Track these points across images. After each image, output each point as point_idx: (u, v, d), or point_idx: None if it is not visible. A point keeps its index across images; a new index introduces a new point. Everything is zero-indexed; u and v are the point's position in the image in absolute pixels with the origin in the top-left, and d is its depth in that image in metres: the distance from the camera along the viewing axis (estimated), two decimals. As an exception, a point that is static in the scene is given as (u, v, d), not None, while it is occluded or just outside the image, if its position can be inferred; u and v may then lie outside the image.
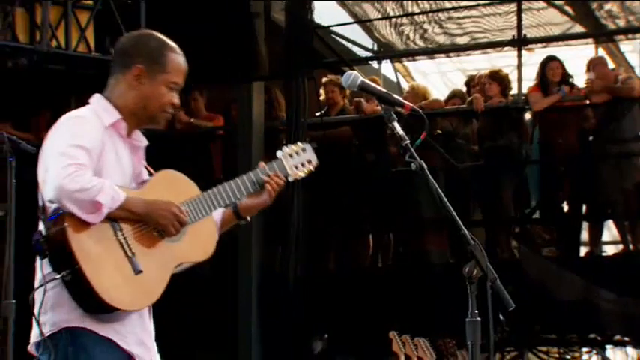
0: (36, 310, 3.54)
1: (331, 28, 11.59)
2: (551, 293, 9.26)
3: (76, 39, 8.55)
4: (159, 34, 3.84)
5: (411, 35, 11.61)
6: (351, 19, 11.98)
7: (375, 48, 12.18)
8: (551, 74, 9.65)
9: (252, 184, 3.88)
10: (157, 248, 3.64)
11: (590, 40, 11.36)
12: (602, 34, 11.24)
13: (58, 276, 3.47)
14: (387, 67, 12.60)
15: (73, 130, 3.59)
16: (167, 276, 3.66)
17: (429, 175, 3.50)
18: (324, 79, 10.54)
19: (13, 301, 4.09)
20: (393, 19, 11.60)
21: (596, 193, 9.59)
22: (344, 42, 11.88)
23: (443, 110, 10.16)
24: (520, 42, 10.22)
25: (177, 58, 3.79)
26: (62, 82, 10.11)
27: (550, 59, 9.76)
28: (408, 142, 3.54)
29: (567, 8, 11.37)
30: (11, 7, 8.15)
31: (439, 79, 12.94)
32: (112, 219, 3.53)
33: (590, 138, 9.80)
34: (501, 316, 8.44)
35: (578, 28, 11.43)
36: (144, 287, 3.59)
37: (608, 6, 10.89)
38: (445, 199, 3.46)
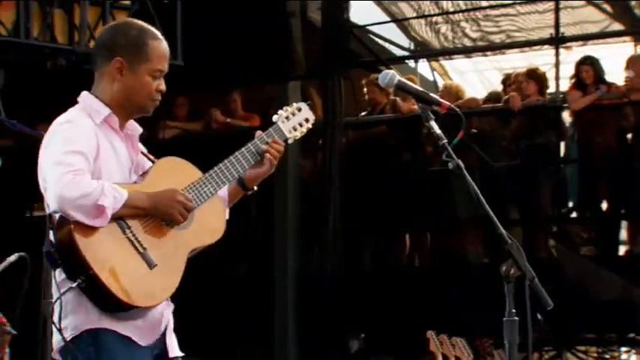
0: (55, 318, 3.53)
1: (367, 27, 11.58)
2: (590, 292, 9.21)
3: (114, 39, 8.60)
4: (138, 22, 3.77)
5: (448, 34, 11.58)
6: (387, 18, 11.97)
7: (412, 47, 12.15)
8: (584, 77, 9.59)
9: (253, 155, 3.83)
10: (167, 239, 3.62)
11: (628, 38, 11.27)
12: (640, 32, 11.16)
13: (73, 285, 3.46)
14: (423, 66, 12.56)
15: (66, 136, 3.55)
16: (182, 265, 3.63)
17: (467, 175, 3.49)
18: (363, 80, 10.53)
19: (52, 300, 4.13)
20: (430, 18, 11.58)
21: (636, 192, 9.52)
22: (380, 41, 11.87)
23: (479, 109, 10.13)
24: (557, 40, 10.16)
25: (159, 45, 3.71)
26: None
27: (583, 62, 9.68)
28: (446, 141, 3.53)
29: (605, 6, 11.29)
30: (50, 8, 8.22)
31: (476, 77, 12.88)
32: (118, 218, 3.51)
33: (629, 136, 9.73)
34: (539, 316, 8.39)
35: (617, 26, 11.34)
36: (160, 281, 3.57)
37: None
38: (482, 199, 3.44)
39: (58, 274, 3.57)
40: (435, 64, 12.72)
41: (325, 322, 9.76)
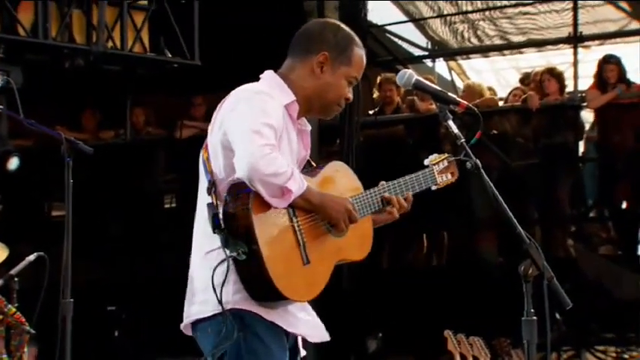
0: (217, 287, 3.39)
1: (385, 26, 11.57)
2: (609, 292, 9.18)
3: (132, 39, 8.63)
4: (345, 26, 3.76)
5: (465, 33, 11.57)
6: (404, 18, 11.96)
7: (429, 46, 12.14)
8: (609, 76, 9.54)
9: (419, 184, 3.88)
10: (323, 242, 3.58)
11: (647, 37, 11.22)
12: (659, 31, 11.11)
13: (234, 254, 3.38)
14: (441, 66, 12.55)
15: (262, 107, 3.48)
16: (329, 271, 3.59)
17: (484, 174, 3.48)
18: (379, 78, 10.52)
19: (71, 299, 4.14)
20: (447, 18, 11.56)
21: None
22: (398, 40, 11.86)
23: (497, 108, 10.11)
24: (576, 39, 10.13)
25: (361, 53, 3.71)
26: (118, 83, 10.20)
27: (608, 61, 9.63)
28: (464, 140, 3.52)
29: (624, 4, 11.25)
30: (68, 8, 8.25)
31: (493, 77, 12.86)
32: (289, 205, 3.46)
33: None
34: (558, 315, 8.38)
35: (635, 25, 11.29)
36: (309, 279, 3.53)
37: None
38: (500, 198, 3.43)
39: (213, 243, 3.47)
40: (452, 63, 12.70)
41: (343, 322, 9.76)
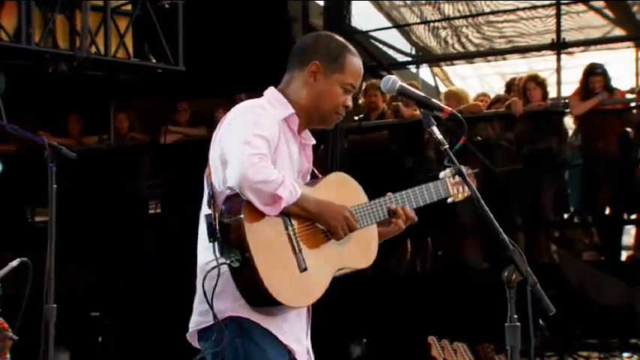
0: (209, 296, 3.50)
1: (369, 32, 11.59)
2: (592, 298, 9.20)
3: (115, 44, 8.61)
4: (339, 37, 3.84)
5: (449, 39, 11.59)
6: (389, 24, 11.98)
7: (414, 52, 12.16)
8: (595, 87, 9.53)
9: (423, 198, 3.88)
10: (322, 249, 3.63)
11: (629, 43, 11.28)
12: (642, 37, 11.16)
13: (227, 261, 3.46)
14: (425, 72, 12.58)
15: (254, 119, 3.57)
16: (328, 279, 3.66)
17: (468, 180, 3.49)
18: (364, 84, 10.53)
19: (54, 305, 4.13)
20: (431, 24, 11.59)
21: (638, 197, 9.52)
22: (382, 46, 11.87)
23: (481, 114, 10.13)
24: (559, 45, 10.17)
25: (356, 61, 3.77)
26: (102, 88, 10.18)
27: (593, 72, 9.59)
28: (447, 146, 3.53)
29: (607, 11, 11.30)
30: (51, 13, 8.23)
31: (477, 83, 12.90)
32: (284, 213, 3.53)
33: (631, 141, 9.73)
34: (541, 321, 8.39)
35: (618, 31, 11.35)
36: (306, 286, 3.58)
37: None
38: (484, 204, 3.44)
39: (208, 254, 3.54)
40: (436, 69, 12.74)
41: (327, 327, 9.75)
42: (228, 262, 3.45)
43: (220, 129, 3.68)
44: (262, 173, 3.42)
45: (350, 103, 3.79)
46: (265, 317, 3.56)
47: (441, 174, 3.97)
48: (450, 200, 4.00)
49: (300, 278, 3.55)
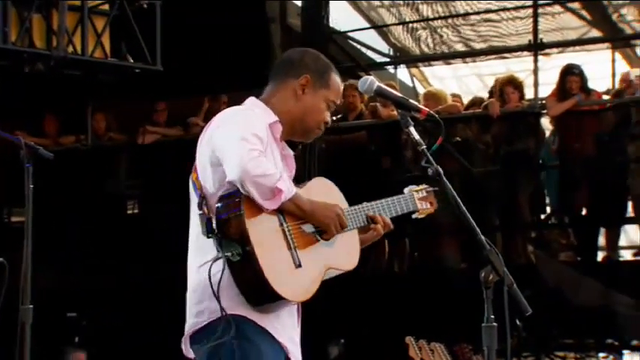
0: (215, 287, 3.50)
1: (347, 33, 11.59)
2: (569, 298, 9.23)
3: (93, 44, 8.58)
4: (323, 56, 3.95)
5: (427, 40, 11.61)
6: (367, 24, 11.99)
7: (391, 53, 12.18)
8: (572, 87, 9.58)
9: (402, 207, 3.96)
10: (312, 248, 3.66)
11: (606, 45, 11.33)
12: (618, 39, 11.21)
13: (227, 254, 3.47)
14: (403, 73, 12.60)
15: (247, 120, 3.63)
16: (320, 278, 3.69)
17: (446, 181, 3.50)
18: (343, 84, 10.52)
19: (31, 306, 4.11)
20: (409, 25, 11.60)
21: (614, 198, 9.55)
22: (360, 47, 11.88)
23: (459, 115, 10.15)
24: (536, 47, 10.19)
25: (339, 80, 3.90)
26: (79, 88, 10.14)
27: (570, 72, 9.63)
28: (425, 147, 3.54)
29: (584, 13, 11.35)
30: (28, 12, 8.19)
31: (455, 84, 12.93)
32: (279, 210, 3.56)
33: (607, 142, 9.77)
34: (518, 322, 8.41)
35: (595, 33, 11.40)
36: (302, 282, 3.61)
37: (624, 10, 10.86)
38: (461, 205, 3.45)
39: (208, 252, 3.54)
40: (414, 70, 12.76)
41: (304, 328, 9.75)
42: (228, 255, 3.47)
43: (207, 132, 3.69)
44: (262, 167, 3.46)
45: (329, 119, 3.86)
46: (261, 315, 3.58)
47: (406, 190, 4.03)
48: (414, 216, 4.06)
49: (296, 274, 3.59)
